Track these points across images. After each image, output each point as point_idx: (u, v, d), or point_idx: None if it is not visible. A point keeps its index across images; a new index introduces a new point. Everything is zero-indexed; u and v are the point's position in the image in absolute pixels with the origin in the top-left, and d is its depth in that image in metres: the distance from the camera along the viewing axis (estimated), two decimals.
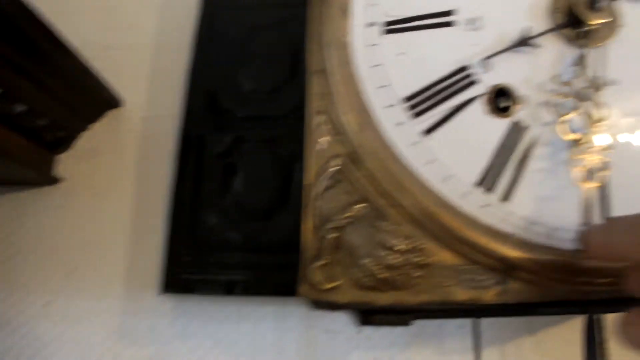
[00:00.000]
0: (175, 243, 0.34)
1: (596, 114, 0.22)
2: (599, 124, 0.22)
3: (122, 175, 0.37)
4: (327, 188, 0.23)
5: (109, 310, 0.34)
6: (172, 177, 0.35)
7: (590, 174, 0.22)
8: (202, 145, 0.36)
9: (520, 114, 0.23)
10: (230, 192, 0.35)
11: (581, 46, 0.23)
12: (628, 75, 0.24)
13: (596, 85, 0.22)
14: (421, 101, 0.23)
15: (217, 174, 0.35)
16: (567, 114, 0.22)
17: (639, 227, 0.18)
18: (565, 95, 0.22)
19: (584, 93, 0.22)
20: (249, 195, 0.35)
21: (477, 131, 0.23)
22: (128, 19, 0.41)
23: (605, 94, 0.23)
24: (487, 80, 0.23)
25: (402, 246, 0.22)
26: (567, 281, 0.22)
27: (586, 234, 0.21)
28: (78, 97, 0.36)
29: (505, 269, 0.22)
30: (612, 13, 0.24)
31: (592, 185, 0.22)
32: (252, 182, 0.35)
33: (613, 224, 0.20)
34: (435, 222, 0.22)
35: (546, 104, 0.23)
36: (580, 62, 0.23)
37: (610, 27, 0.24)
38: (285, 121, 0.35)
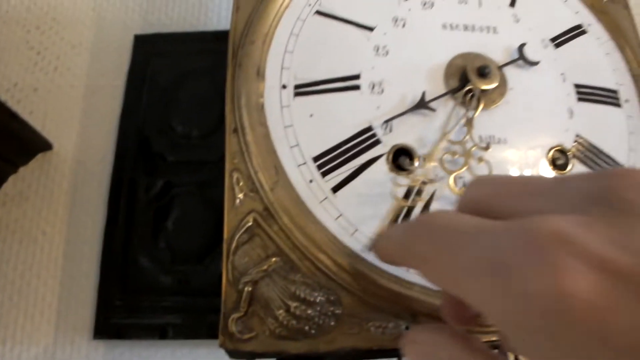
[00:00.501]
0: (106, 288, 0.34)
1: (482, 171, 0.25)
2: None
3: (52, 219, 0.37)
4: (243, 243, 0.24)
5: (39, 358, 0.34)
6: (103, 221, 0.36)
7: None
8: (134, 189, 0.36)
9: (418, 171, 0.25)
10: (162, 235, 0.36)
11: (472, 108, 0.26)
12: (513, 134, 0.27)
13: (483, 144, 0.25)
14: (329, 160, 0.25)
15: (148, 218, 0.36)
16: (457, 170, 0.25)
17: (409, 230, 0.17)
18: (455, 153, 0.25)
19: (472, 152, 0.25)
20: (181, 239, 0.36)
21: (381, 188, 0.25)
22: (58, 60, 0.41)
23: (491, 153, 0.26)
24: (388, 141, 0.25)
25: (315, 297, 0.24)
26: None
27: (375, 239, 0.23)
28: (5, 141, 0.36)
29: (413, 315, 0.24)
30: (501, 78, 0.27)
31: None
32: (183, 226, 0.36)
33: (393, 227, 0.21)
34: (345, 273, 0.24)
35: (440, 161, 0.25)
36: (470, 123, 0.25)
37: (500, 91, 0.27)
38: (216, 166, 0.36)
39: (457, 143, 0.25)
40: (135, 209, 0.36)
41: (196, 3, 0.41)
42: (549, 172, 0.27)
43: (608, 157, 0.28)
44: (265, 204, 0.24)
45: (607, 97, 0.30)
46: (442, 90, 0.26)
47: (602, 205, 0.13)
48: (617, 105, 0.30)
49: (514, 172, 0.26)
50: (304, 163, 0.25)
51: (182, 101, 0.38)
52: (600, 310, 0.11)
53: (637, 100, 0.31)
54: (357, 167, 0.25)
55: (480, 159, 0.25)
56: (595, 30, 0.32)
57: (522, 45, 0.28)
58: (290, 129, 0.25)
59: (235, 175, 0.25)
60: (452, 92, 0.26)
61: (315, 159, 0.25)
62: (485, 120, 0.27)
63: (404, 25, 0.28)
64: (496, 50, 0.28)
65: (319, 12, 0.28)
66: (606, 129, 0.29)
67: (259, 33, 0.27)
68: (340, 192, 0.25)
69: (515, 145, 0.27)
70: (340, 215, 0.24)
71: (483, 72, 0.26)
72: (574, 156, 0.27)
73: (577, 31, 0.31)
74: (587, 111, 0.29)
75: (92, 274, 0.35)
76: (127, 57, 0.40)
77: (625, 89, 0.31)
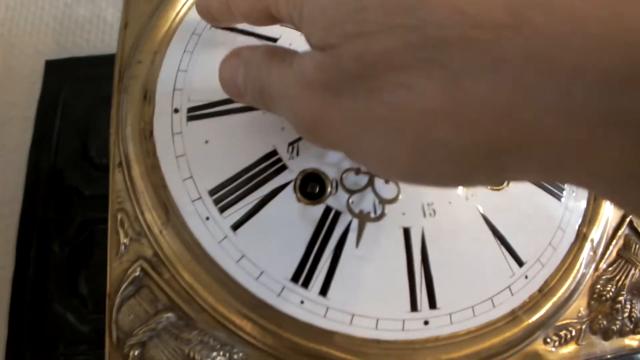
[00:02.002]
0: (17, 342, 0.31)
1: (388, 192, 0.21)
2: (389, 204, 0.21)
3: None
4: (128, 297, 0.20)
5: None
6: (12, 268, 0.32)
7: None
8: (46, 230, 0.33)
9: (330, 199, 0.22)
10: (80, 280, 0.32)
11: None
12: None
13: None
14: (227, 193, 0.21)
15: (63, 261, 0.32)
16: (359, 190, 0.21)
17: None
18: (359, 171, 0.22)
19: None
20: (101, 283, 0.32)
21: (289, 221, 0.21)
22: None
23: None
24: (295, 166, 0.22)
25: (215, 358, 0.20)
26: None
27: None
28: None
29: None
30: None
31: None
32: (103, 269, 0.32)
33: None
34: (251, 326, 0.20)
35: (340, 180, 0.22)
36: None
37: None
38: None
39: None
40: (48, 251, 0.32)
41: (114, 23, 0.38)
42: (486, 191, 0.24)
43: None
44: (155, 249, 0.21)
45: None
46: None
47: None
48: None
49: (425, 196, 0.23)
50: (199, 198, 0.21)
51: (98, 129, 0.35)
52: None
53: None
54: (260, 199, 0.21)
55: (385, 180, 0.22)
56: None
57: None
58: (183, 159, 0.22)
59: (120, 216, 0.22)
60: None
61: (212, 192, 0.22)
62: None
63: None
64: None
65: (216, 26, 0.24)
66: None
67: (148, 51, 0.23)
68: (241, 230, 0.21)
69: None
70: (243, 256, 0.21)
71: None
72: None
73: None
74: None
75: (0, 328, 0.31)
76: (39, 85, 0.36)
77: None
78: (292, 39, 0.24)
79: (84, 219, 0.33)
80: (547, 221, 0.24)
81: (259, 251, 0.21)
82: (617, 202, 0.15)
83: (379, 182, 0.22)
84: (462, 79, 0.12)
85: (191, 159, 0.22)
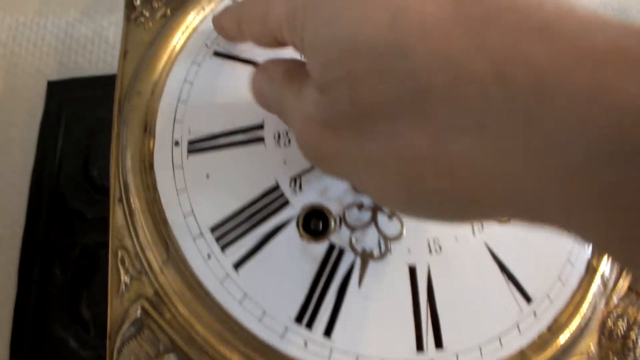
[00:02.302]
0: None
1: (392, 229, 0.21)
2: (393, 241, 0.21)
3: None
4: (129, 338, 0.20)
5: None
6: (14, 293, 0.32)
7: None
8: (49, 254, 0.32)
9: (334, 235, 0.21)
10: (82, 305, 0.32)
11: None
12: None
13: None
14: (230, 230, 0.21)
15: (65, 285, 0.32)
16: (361, 228, 0.21)
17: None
18: (362, 206, 0.21)
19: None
20: (104, 308, 0.32)
21: (292, 259, 0.21)
22: None
23: None
24: (298, 202, 0.22)
25: None
26: None
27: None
28: None
29: None
30: None
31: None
32: (104, 294, 0.32)
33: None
34: None
35: (342, 216, 0.21)
36: None
37: None
38: None
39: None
40: (50, 275, 0.32)
41: (116, 43, 0.38)
42: (493, 225, 0.23)
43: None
44: (156, 288, 0.21)
45: None
46: None
47: None
48: None
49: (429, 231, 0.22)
50: (200, 234, 0.21)
51: (100, 151, 0.34)
52: None
53: None
54: (262, 236, 0.21)
55: (392, 214, 0.21)
56: None
57: None
58: (184, 194, 0.22)
59: (121, 253, 0.21)
60: None
61: (213, 228, 0.21)
62: None
63: None
64: None
65: (217, 54, 0.24)
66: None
67: (147, 82, 0.23)
68: (243, 268, 0.21)
69: None
70: (245, 296, 0.20)
71: None
72: None
73: None
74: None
75: (1, 354, 0.31)
76: (41, 105, 0.36)
77: None
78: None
79: (86, 243, 0.32)
80: (556, 255, 0.24)
81: (262, 290, 0.20)
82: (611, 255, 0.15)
83: (382, 218, 0.21)
84: (446, 132, 0.13)
85: (192, 193, 0.22)
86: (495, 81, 0.12)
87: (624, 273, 0.25)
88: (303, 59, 0.18)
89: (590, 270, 0.24)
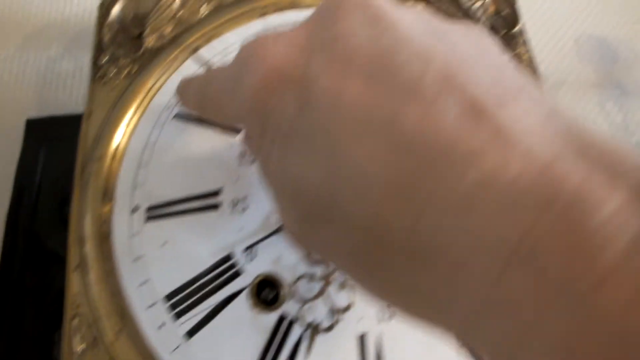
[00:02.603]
0: None
1: (341, 300, 0.21)
2: (342, 313, 0.21)
3: None
4: None
5: None
6: None
7: None
8: (22, 296, 0.33)
9: (285, 305, 0.21)
10: (54, 349, 0.32)
11: None
12: None
13: None
14: (183, 298, 0.21)
15: (38, 329, 0.33)
16: (311, 299, 0.21)
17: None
18: (313, 278, 0.21)
19: (334, 275, 0.22)
20: None
21: (243, 329, 0.21)
22: None
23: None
24: (251, 270, 0.22)
25: None
26: None
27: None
28: None
29: None
30: None
31: None
32: None
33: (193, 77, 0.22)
34: None
35: (290, 287, 0.22)
36: None
37: None
38: None
39: (320, 263, 0.21)
40: (24, 317, 0.33)
41: None
42: None
43: None
44: (110, 357, 0.21)
45: None
46: None
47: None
48: None
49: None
50: (155, 303, 0.21)
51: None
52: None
53: None
54: (215, 305, 0.21)
55: (343, 285, 0.22)
56: None
57: None
58: (140, 262, 0.22)
59: (76, 322, 0.22)
60: None
61: (168, 297, 0.21)
62: None
63: None
64: None
65: (179, 116, 0.24)
66: None
67: (109, 145, 0.23)
68: (195, 337, 0.21)
69: None
70: None
71: None
72: None
73: None
74: None
75: None
76: (20, 143, 0.36)
77: None
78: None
79: (61, 286, 0.33)
80: None
81: None
82: None
83: (334, 289, 0.22)
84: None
85: (148, 261, 0.22)
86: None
87: None
88: None
89: None
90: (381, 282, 0.14)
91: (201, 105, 0.20)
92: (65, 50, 0.40)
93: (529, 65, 0.31)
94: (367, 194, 0.12)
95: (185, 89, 0.22)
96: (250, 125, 0.17)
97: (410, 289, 0.13)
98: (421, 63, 0.13)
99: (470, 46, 0.14)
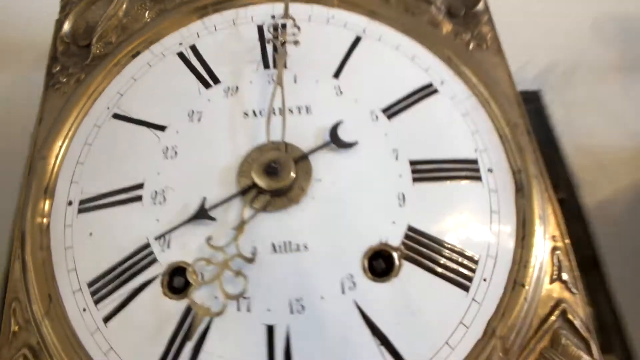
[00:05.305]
0: None
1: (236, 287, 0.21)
2: (233, 299, 0.21)
3: None
4: None
5: None
6: None
7: None
8: None
9: (195, 293, 0.21)
10: None
11: (262, 209, 0.22)
12: (317, 238, 0.22)
13: (249, 255, 0.21)
14: (103, 285, 0.22)
15: None
16: (207, 282, 0.21)
17: None
18: (210, 262, 0.21)
19: (230, 263, 0.21)
20: None
21: (154, 315, 0.22)
22: None
23: (286, 261, 0.22)
24: (165, 259, 0.22)
25: None
26: None
27: None
28: None
29: None
30: (301, 171, 0.23)
31: None
32: None
33: None
34: None
35: (190, 269, 0.21)
36: (240, 228, 0.22)
37: (299, 187, 0.23)
38: None
39: (218, 249, 0.21)
40: None
41: None
42: (366, 282, 0.22)
43: (455, 251, 0.22)
44: (38, 338, 0.22)
45: (458, 170, 0.24)
46: (234, 191, 0.23)
47: None
48: (475, 178, 0.24)
49: (310, 286, 0.21)
50: (79, 289, 0.23)
51: None
52: None
53: (506, 166, 0.25)
54: (130, 292, 0.22)
55: (239, 273, 0.21)
56: (451, 87, 0.27)
57: (335, 127, 0.24)
58: (70, 251, 0.23)
59: (14, 305, 0.23)
60: (231, 198, 0.23)
61: (90, 284, 0.23)
62: (281, 223, 0.23)
63: (199, 120, 0.25)
64: (307, 134, 0.24)
65: (116, 115, 0.26)
66: (454, 212, 0.23)
67: (54, 146, 0.25)
68: (111, 322, 0.22)
69: (318, 253, 0.22)
70: (110, 349, 0.21)
71: (270, 170, 0.22)
72: (405, 256, 0.22)
73: (423, 92, 0.26)
74: (426, 194, 0.23)
75: None
76: None
77: (489, 155, 0.25)
78: (179, 126, 0.25)
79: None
80: (445, 316, 0.22)
81: (124, 345, 0.21)
82: None
83: (229, 276, 0.21)
84: None
85: (77, 251, 0.23)
86: None
87: (537, 336, 0.22)
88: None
89: (489, 333, 0.22)
90: None
91: None
92: None
93: (493, 43, 0.29)
94: None
95: None
96: None
97: None
98: None
99: None
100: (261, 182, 0.22)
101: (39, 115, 0.27)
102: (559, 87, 0.43)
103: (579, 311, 0.22)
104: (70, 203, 0.24)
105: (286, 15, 0.27)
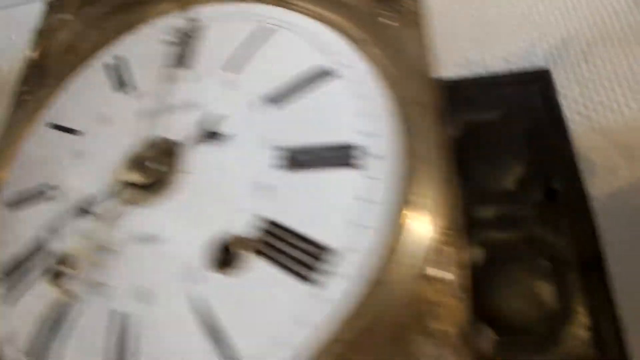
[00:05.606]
0: None
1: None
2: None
3: None
4: None
5: None
6: None
7: None
8: None
9: (63, 280, 0.23)
10: None
11: (131, 203, 0.23)
12: (171, 229, 0.22)
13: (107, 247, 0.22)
14: (10, 276, 0.25)
15: None
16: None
17: None
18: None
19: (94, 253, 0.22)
20: None
21: (41, 307, 0.23)
22: None
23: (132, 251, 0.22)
24: (54, 250, 0.24)
25: None
26: None
27: None
28: None
29: None
30: (172, 165, 0.23)
31: None
32: None
33: None
34: None
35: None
36: (108, 221, 0.22)
37: (167, 180, 0.23)
38: None
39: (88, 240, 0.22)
40: None
41: None
42: (212, 275, 0.21)
43: (312, 243, 0.20)
44: None
45: (335, 157, 0.22)
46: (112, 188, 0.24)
47: None
48: (354, 165, 0.21)
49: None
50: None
51: None
52: None
53: (400, 151, 0.21)
54: (28, 285, 0.24)
55: (98, 262, 0.22)
56: (355, 71, 0.25)
57: (209, 118, 0.24)
58: (2, 246, 0.27)
59: None
60: (105, 194, 0.24)
61: (6, 275, 0.26)
62: (146, 217, 0.23)
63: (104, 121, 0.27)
64: (189, 128, 0.24)
65: (48, 124, 0.29)
66: (319, 202, 0.21)
67: (5, 157, 0.29)
68: (16, 309, 0.24)
69: (173, 244, 0.22)
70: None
71: (140, 165, 0.23)
72: (256, 250, 0.21)
73: (320, 79, 0.24)
74: (296, 183, 0.22)
75: None
76: None
77: (381, 141, 0.22)
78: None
79: None
80: (293, 313, 0.20)
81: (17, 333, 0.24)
82: None
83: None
84: None
85: (3, 245, 0.26)
86: None
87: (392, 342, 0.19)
88: None
89: (338, 333, 0.19)
90: None
91: None
92: None
93: (415, 17, 0.26)
94: None
95: None
96: None
97: None
98: None
99: None
100: (130, 177, 0.23)
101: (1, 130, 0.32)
102: (574, 63, 0.36)
103: (453, 320, 0.18)
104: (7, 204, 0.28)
105: (189, 18, 0.28)
